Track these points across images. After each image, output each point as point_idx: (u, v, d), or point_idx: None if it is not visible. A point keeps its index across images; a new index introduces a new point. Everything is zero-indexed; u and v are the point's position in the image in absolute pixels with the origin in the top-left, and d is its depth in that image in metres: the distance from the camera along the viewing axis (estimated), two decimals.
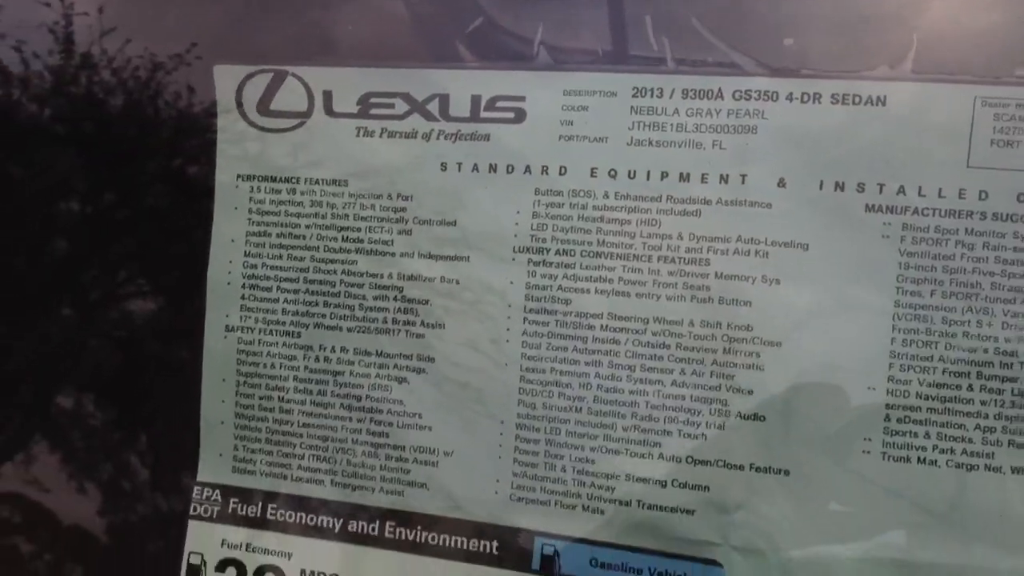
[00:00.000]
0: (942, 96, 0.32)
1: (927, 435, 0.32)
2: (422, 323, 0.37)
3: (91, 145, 0.47)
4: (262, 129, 0.39)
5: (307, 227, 0.39)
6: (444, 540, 0.37)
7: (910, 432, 0.32)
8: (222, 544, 0.39)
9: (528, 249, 0.36)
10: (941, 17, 0.33)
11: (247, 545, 0.39)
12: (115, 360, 0.47)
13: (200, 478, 0.40)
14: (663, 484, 0.34)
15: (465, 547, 0.36)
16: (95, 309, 0.47)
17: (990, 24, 0.32)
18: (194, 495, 0.40)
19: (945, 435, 0.32)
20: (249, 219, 0.39)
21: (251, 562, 0.39)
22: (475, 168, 0.37)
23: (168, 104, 0.45)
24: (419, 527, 0.37)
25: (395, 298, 0.38)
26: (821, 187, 0.33)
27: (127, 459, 0.47)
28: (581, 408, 0.35)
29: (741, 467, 0.34)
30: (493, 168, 0.36)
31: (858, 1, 0.34)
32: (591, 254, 0.35)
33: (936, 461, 0.32)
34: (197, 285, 0.42)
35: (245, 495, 0.39)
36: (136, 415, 0.46)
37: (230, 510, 0.39)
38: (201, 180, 0.44)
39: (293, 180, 0.39)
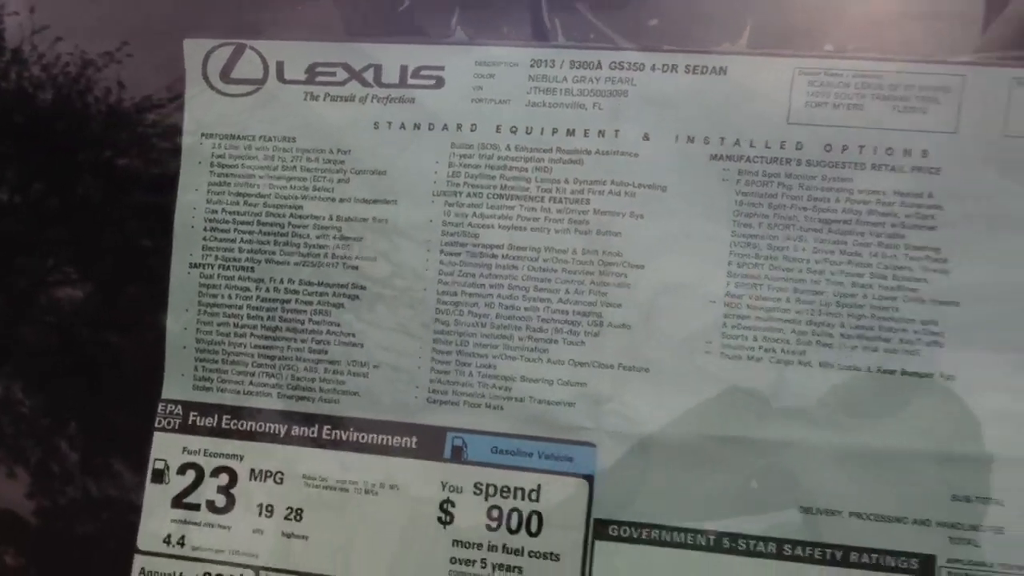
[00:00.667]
0: (769, 67, 0.55)
1: (755, 338, 0.54)
2: (357, 257, 0.59)
3: (22, 137, 0.65)
4: (223, 94, 0.62)
5: (260, 177, 0.61)
6: (372, 438, 0.59)
7: (741, 336, 0.54)
8: (183, 451, 0.61)
9: (444, 192, 0.58)
10: (769, 4, 0.56)
11: (205, 451, 0.61)
12: (49, 344, 0.68)
13: (164, 396, 0.62)
14: (550, 383, 0.56)
15: (389, 443, 0.58)
16: (28, 296, 0.68)
17: (805, 9, 0.55)
18: (159, 410, 0.62)
19: (768, 337, 0.54)
20: (211, 171, 0.62)
21: (208, 465, 0.61)
22: (402, 126, 0.59)
23: (98, 99, 0.66)
24: (351, 428, 0.59)
25: (334, 236, 0.60)
26: (676, 140, 0.56)
27: (58, 444, 0.68)
28: (485, 323, 0.57)
29: (611, 366, 0.56)
30: (417, 126, 0.59)
31: None
32: (495, 196, 0.58)
33: (761, 358, 0.54)
34: (128, 272, 0.64)
35: (204, 408, 0.61)
36: (72, 401, 0.67)
37: (190, 422, 0.61)
38: (131, 172, 0.67)
39: (249, 137, 0.61)
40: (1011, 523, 0.48)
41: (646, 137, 0.53)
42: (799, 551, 0.50)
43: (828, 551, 0.50)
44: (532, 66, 0.55)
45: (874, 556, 0.49)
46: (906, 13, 0.52)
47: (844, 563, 0.49)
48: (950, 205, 0.50)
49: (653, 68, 0.53)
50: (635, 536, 0.51)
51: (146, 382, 0.60)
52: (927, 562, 0.49)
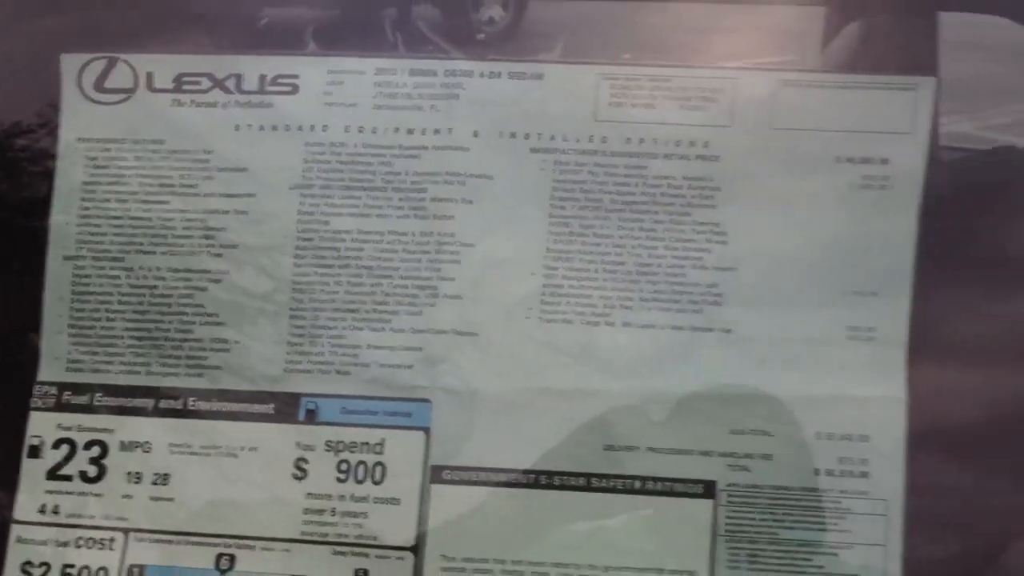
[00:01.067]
0: (578, 73, 0.79)
1: (568, 304, 0.77)
2: (220, 245, 0.81)
3: None
4: (97, 103, 0.84)
5: (131, 176, 0.83)
6: (233, 407, 0.80)
7: (556, 303, 0.77)
8: (57, 427, 0.81)
9: (299, 186, 0.81)
10: (579, 23, 0.81)
11: (78, 426, 0.81)
12: None
13: (40, 379, 0.83)
14: (392, 349, 0.78)
15: (249, 411, 0.80)
16: None
17: (607, 26, 0.81)
18: (35, 392, 0.83)
19: (580, 303, 0.77)
20: (85, 171, 0.83)
21: (81, 439, 0.81)
22: (261, 128, 0.82)
23: None
24: (214, 399, 0.80)
25: (199, 227, 0.82)
26: (501, 136, 0.79)
27: None
28: (335, 299, 0.80)
29: (445, 332, 0.78)
30: (275, 127, 0.82)
31: (526, 14, 0.82)
32: (344, 187, 0.80)
33: (573, 321, 0.77)
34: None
35: (77, 388, 0.82)
36: None
37: (64, 400, 0.82)
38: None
39: (121, 141, 0.83)
40: (777, 450, 0.71)
41: (475, 134, 0.76)
42: (604, 483, 0.72)
43: (628, 481, 0.72)
44: (377, 74, 0.78)
45: (667, 484, 0.71)
46: (688, 27, 0.77)
47: (642, 491, 0.72)
48: (727, 187, 0.74)
49: (481, 75, 0.77)
50: (466, 478, 0.73)
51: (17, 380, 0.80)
52: (710, 486, 0.71)
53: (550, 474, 0.69)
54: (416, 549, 0.70)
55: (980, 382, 0.70)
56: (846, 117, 0.69)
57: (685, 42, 0.68)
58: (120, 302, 0.75)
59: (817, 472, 0.67)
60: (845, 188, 0.69)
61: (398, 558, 0.69)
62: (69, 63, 0.77)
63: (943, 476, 0.68)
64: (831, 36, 0.75)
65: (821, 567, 0.66)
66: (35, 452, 0.75)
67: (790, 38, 0.72)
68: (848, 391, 0.67)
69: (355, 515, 0.70)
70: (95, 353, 0.75)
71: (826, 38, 0.74)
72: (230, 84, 0.76)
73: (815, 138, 0.69)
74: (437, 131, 0.73)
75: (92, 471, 0.74)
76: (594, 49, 0.67)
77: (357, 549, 0.70)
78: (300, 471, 0.72)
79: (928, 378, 0.67)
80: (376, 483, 0.71)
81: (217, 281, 0.74)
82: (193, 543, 0.72)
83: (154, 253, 0.75)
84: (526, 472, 0.70)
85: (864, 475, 0.67)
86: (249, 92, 0.75)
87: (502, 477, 0.70)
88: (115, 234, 0.76)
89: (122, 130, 0.77)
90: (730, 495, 0.68)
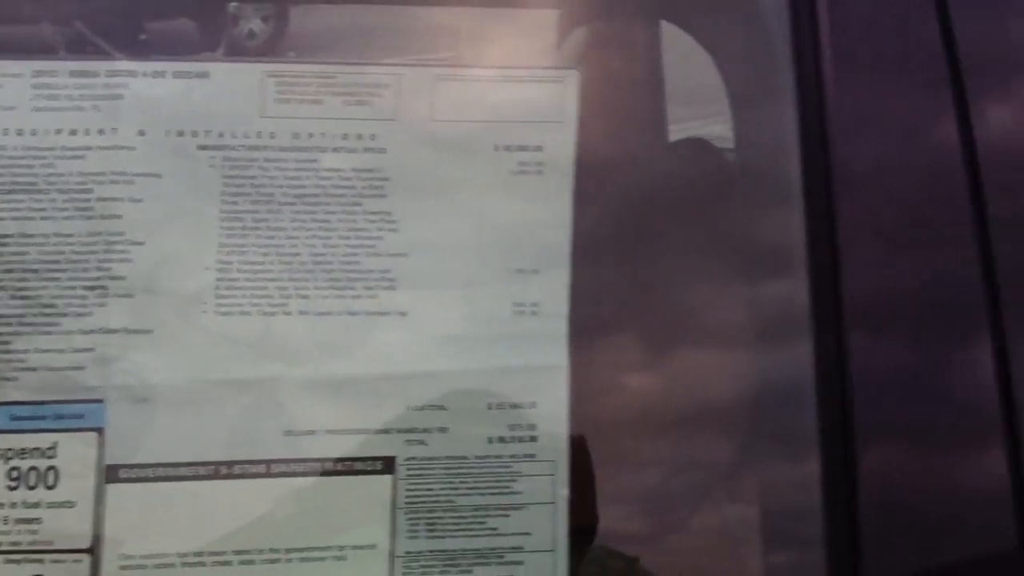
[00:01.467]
0: (243, 71, 0.83)
1: (244, 296, 0.80)
2: None
3: None
4: None
5: None
6: None
7: (232, 295, 0.80)
8: None
9: None
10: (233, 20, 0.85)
11: None
12: None
13: None
14: (61, 351, 0.79)
15: None
16: None
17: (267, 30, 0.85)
18: None
19: (255, 295, 0.80)
20: None
21: None
22: None
23: None
24: None
25: None
26: (168, 134, 0.82)
27: None
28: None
29: (117, 331, 0.80)
30: None
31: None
32: (4, 191, 0.81)
33: (250, 312, 0.80)
34: None
35: None
36: None
37: None
38: None
39: None
40: (452, 423, 0.77)
41: (141, 132, 0.79)
42: (284, 467, 0.76)
43: (309, 464, 0.76)
44: (35, 76, 0.79)
45: (347, 463, 0.76)
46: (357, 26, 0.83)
47: (322, 472, 0.76)
48: (395, 177, 0.80)
49: (145, 75, 0.80)
50: (144, 476, 0.75)
51: None
52: (388, 462, 0.76)
53: (230, 464, 0.72)
54: (93, 550, 0.70)
55: (636, 349, 0.78)
56: (501, 108, 0.77)
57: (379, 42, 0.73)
58: None
59: (490, 440, 0.73)
60: (504, 174, 0.76)
61: (75, 561, 0.70)
62: None
63: (606, 434, 0.75)
64: (562, 40, 0.82)
65: (495, 529, 0.72)
66: None
67: (468, 37, 0.78)
68: (516, 362, 0.74)
69: (28, 521, 0.71)
70: None
71: (558, 42, 0.81)
72: None
73: (474, 128, 0.76)
74: (101, 131, 0.76)
75: None
76: (258, 47, 0.71)
77: (31, 556, 0.70)
78: None
79: (587, 346, 0.74)
80: (49, 488, 0.72)
81: None
82: None
83: None
84: (205, 464, 0.72)
85: (533, 439, 0.73)
86: None
87: (181, 471, 0.73)
88: None
89: None
90: (408, 469, 0.73)
